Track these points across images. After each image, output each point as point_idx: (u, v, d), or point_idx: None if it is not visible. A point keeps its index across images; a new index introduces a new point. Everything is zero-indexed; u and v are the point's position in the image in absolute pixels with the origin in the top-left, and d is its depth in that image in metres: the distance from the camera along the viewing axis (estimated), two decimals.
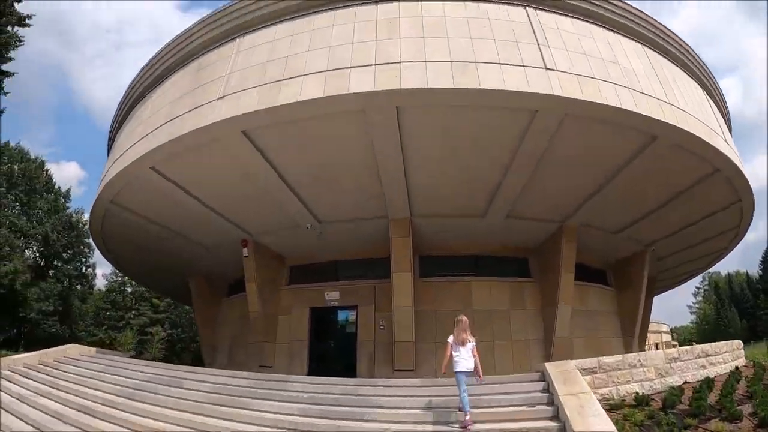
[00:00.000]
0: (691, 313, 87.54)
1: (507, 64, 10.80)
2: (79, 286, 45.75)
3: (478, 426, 7.71)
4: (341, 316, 16.76)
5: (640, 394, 9.30)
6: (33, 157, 42.63)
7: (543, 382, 9.27)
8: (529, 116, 10.95)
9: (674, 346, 47.78)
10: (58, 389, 11.92)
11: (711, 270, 58.45)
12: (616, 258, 19.47)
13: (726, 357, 12.83)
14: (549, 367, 9.33)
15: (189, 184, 14.04)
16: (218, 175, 13.37)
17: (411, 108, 10.75)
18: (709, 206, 16.08)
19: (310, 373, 16.05)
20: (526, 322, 16.08)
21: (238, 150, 12.10)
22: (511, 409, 8.41)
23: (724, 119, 16.84)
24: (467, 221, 14.90)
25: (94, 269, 47.38)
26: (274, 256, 17.54)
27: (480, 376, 8.36)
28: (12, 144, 40.56)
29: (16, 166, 39.88)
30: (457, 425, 7.83)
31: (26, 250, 41.10)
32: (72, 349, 16.95)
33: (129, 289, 47.97)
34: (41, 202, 41.64)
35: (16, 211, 39.78)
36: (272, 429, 8.27)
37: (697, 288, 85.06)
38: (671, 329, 61.96)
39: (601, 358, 9.86)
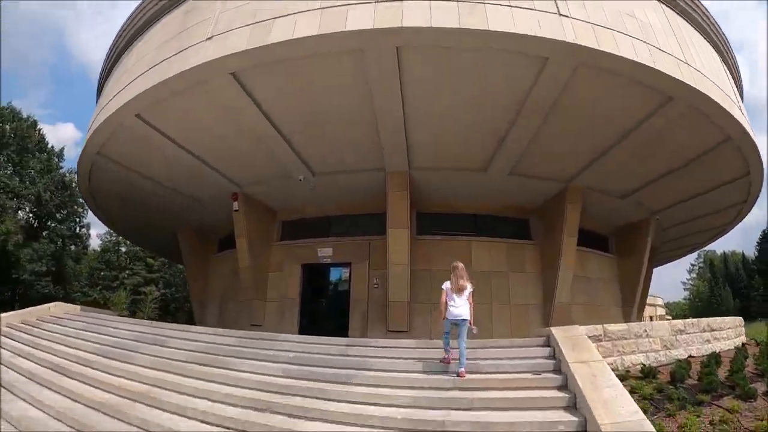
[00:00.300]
0: (684, 289, 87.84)
1: (518, 7, 9.79)
2: (72, 247, 45.06)
3: (478, 394, 6.88)
4: (334, 273, 16.04)
5: (646, 365, 8.71)
6: (25, 116, 41.43)
7: (548, 348, 8.41)
8: (539, 64, 9.97)
9: (668, 320, 47.52)
10: (36, 348, 11.12)
11: (707, 248, 58.38)
12: (619, 224, 18.70)
13: (729, 333, 12.25)
14: (556, 331, 8.50)
15: (176, 132, 13.13)
16: (207, 123, 12.44)
17: (413, 49, 9.72)
18: (717, 178, 15.26)
19: (300, 333, 15.43)
20: (526, 285, 15.44)
21: (227, 95, 11.15)
22: (514, 376, 7.49)
23: (738, 90, 15.93)
24: (468, 176, 14.04)
25: (88, 229, 46.54)
26: (265, 210, 16.75)
27: (472, 323, 7.83)
28: (3, 104, 39.60)
29: (7, 126, 38.89)
30: (453, 390, 7.05)
31: (19, 211, 40.49)
32: (56, 308, 16.26)
33: (123, 249, 47.35)
34: (33, 162, 40.80)
35: (8, 172, 39.04)
36: (253, 391, 7.50)
37: (692, 265, 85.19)
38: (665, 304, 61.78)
39: (606, 325, 9.15)
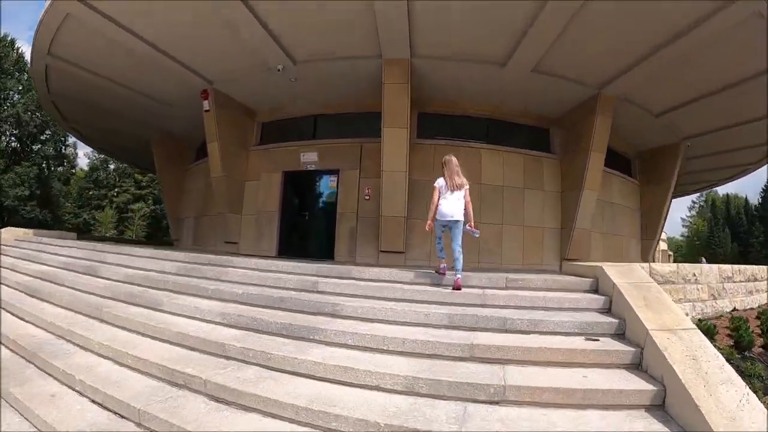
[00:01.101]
0: (683, 226, 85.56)
1: None
2: (60, 168, 42.73)
3: (510, 373, 4.18)
4: (319, 182, 13.35)
5: (700, 320, 6.63)
6: (1, 35, 37.95)
7: (599, 297, 5.87)
8: None
9: (670, 256, 45.71)
10: None
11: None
12: (647, 147, 15.99)
13: (763, 285, 10.01)
14: (611, 272, 5.95)
15: (130, 20, 10.23)
16: (163, 6, 9.58)
17: None
18: (757, 110, 12.46)
19: (280, 252, 13.24)
20: (543, 206, 12.94)
21: None
22: (558, 339, 4.85)
23: None
24: (483, 70, 11.07)
25: (75, 149, 43.89)
26: (241, 110, 13.92)
27: (472, 226, 6.96)
28: None
29: None
30: (469, 362, 4.47)
31: (1, 136, 37.85)
32: (6, 233, 14.27)
33: (112, 166, 44.72)
34: (11, 82, 37.54)
35: None
36: (172, 348, 5.08)
37: (694, 202, 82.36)
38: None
39: (652, 264, 6.90)
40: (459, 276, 6.42)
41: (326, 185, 13.10)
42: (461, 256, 6.62)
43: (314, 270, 7.53)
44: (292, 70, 11.43)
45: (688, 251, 70.21)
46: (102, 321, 6.09)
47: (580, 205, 12.37)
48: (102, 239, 28.32)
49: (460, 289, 6.22)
